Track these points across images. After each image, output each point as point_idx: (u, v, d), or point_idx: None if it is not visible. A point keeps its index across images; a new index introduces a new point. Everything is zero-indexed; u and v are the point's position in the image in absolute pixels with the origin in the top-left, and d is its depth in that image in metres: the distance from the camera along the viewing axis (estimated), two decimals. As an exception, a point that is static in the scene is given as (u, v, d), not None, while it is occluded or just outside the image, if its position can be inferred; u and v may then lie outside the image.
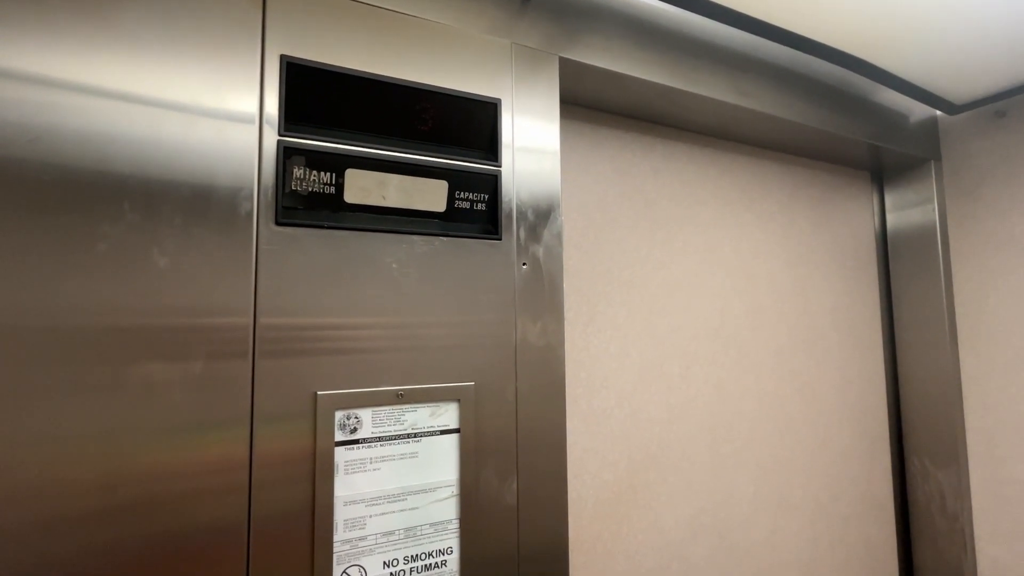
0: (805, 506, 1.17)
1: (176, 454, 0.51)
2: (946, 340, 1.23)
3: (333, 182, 0.61)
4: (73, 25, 0.50)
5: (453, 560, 0.64)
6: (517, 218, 0.72)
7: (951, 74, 1.03)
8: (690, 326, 1.05)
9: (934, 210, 1.27)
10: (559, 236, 0.74)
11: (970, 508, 1.22)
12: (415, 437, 0.63)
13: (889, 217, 1.37)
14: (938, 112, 1.29)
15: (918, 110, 1.26)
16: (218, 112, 0.55)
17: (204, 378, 0.52)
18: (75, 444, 0.47)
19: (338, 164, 0.61)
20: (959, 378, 1.24)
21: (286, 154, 0.58)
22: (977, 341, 1.22)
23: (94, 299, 0.49)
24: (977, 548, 1.21)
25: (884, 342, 1.36)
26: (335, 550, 0.57)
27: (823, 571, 1.18)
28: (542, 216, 0.74)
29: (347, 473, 0.59)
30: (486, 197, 0.70)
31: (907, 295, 1.32)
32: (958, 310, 1.25)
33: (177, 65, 0.54)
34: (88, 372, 0.48)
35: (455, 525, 0.64)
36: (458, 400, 0.66)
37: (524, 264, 0.72)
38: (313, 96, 0.60)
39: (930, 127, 1.28)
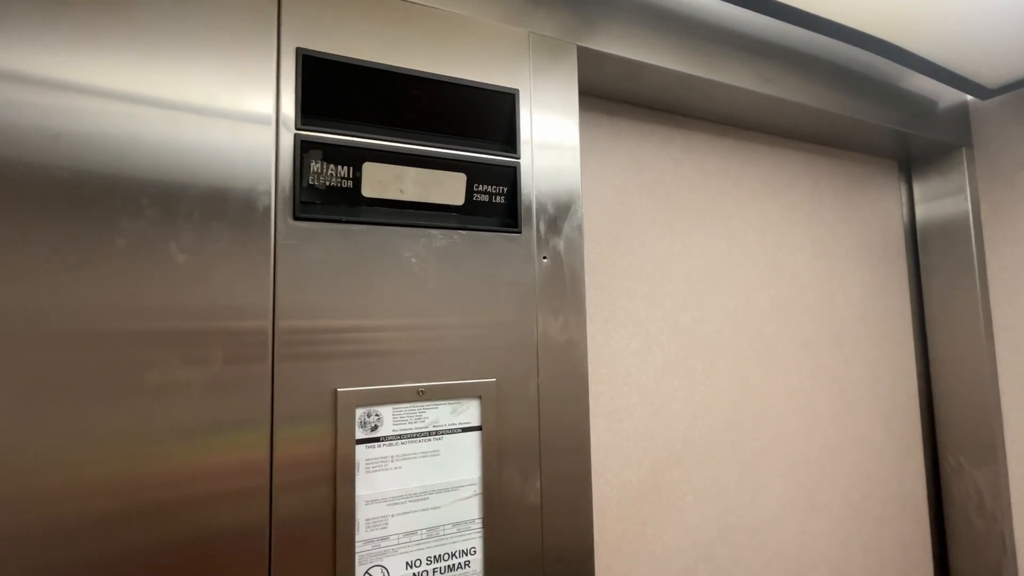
0: (835, 505, 1.13)
1: (197, 457, 0.50)
2: (980, 333, 1.19)
3: (350, 176, 0.60)
4: (90, 26, 0.50)
5: (476, 561, 0.62)
6: (537, 211, 0.70)
7: (982, 56, 0.99)
8: (713, 320, 1.03)
9: (966, 199, 1.22)
10: (579, 229, 0.73)
11: (1010, 508, 1.17)
12: (436, 435, 0.62)
13: (918, 207, 1.33)
14: (969, 97, 1.24)
15: (948, 95, 1.21)
16: (235, 105, 0.54)
17: (223, 371, 0.52)
18: (94, 447, 0.47)
19: (355, 157, 0.60)
20: (995, 372, 1.19)
21: (303, 148, 0.57)
22: (1014, 333, 1.17)
23: (114, 296, 0.48)
24: (1018, 551, 1.16)
25: (915, 336, 1.31)
26: (357, 550, 0.56)
27: (854, 573, 1.14)
28: (562, 208, 0.72)
29: (368, 472, 0.58)
30: (505, 190, 0.68)
31: (938, 287, 1.27)
32: (993, 302, 1.20)
33: (195, 57, 0.53)
34: (108, 372, 0.48)
35: (478, 525, 0.63)
36: (479, 397, 0.64)
37: (544, 258, 0.70)
38: (329, 89, 0.59)
39: (961, 113, 1.24)
